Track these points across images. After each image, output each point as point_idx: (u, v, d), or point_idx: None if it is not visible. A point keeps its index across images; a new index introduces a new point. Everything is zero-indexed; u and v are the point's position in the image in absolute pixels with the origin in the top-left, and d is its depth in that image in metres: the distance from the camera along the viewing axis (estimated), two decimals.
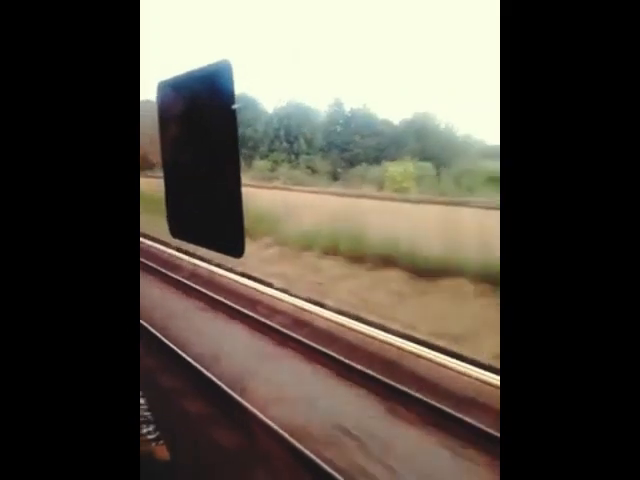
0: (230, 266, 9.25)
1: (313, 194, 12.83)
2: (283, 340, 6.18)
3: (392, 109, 46.27)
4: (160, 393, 4.73)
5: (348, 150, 28.86)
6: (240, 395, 4.61)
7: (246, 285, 8.70)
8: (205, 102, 0.86)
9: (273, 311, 7.32)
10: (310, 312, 7.24)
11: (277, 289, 8.36)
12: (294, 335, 6.18)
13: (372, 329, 6.52)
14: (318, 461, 3.64)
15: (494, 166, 24.91)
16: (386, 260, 8.57)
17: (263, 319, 6.75)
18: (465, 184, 23.87)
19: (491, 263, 7.12)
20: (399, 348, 5.94)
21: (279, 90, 40.68)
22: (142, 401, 2.70)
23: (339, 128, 29.62)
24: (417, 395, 4.68)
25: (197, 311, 7.49)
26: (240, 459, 3.72)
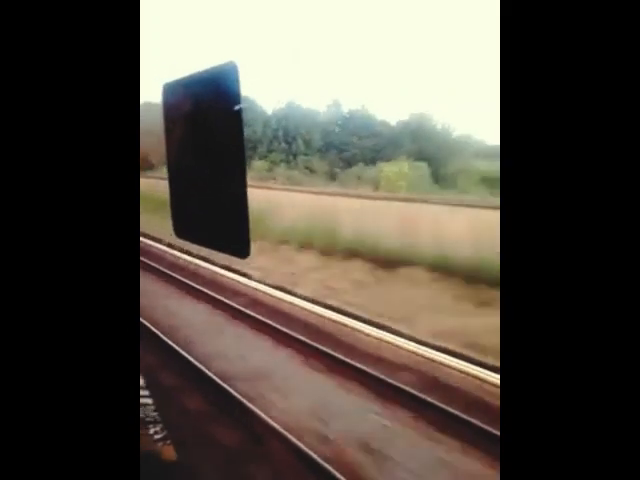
0: (213, 259, 10.18)
1: (299, 193, 13.68)
2: (258, 325, 7.04)
3: (390, 110, 46.85)
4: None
5: (346, 150, 29.48)
6: (188, 351, 5.52)
7: (227, 276, 9.63)
8: (211, 103, 0.87)
9: (252, 300, 8.20)
10: (281, 299, 8.15)
11: (256, 280, 9.26)
12: (268, 321, 7.04)
13: (330, 312, 7.42)
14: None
15: (487, 166, 25.67)
16: (353, 253, 9.47)
17: (242, 308, 7.62)
18: (459, 183, 24.65)
19: (444, 254, 8.00)
20: (346, 325, 6.84)
21: (278, 91, 41.47)
22: (150, 401, 2.79)
23: (337, 129, 30.23)
24: (357, 365, 5.54)
25: (179, 298, 8.43)
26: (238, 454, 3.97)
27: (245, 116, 0.83)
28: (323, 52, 41.91)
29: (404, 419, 4.55)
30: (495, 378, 5.06)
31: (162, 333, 6.34)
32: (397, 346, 6.17)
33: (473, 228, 8.06)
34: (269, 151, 29.17)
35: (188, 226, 1.05)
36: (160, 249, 11.95)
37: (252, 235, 0.85)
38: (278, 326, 6.66)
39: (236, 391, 4.80)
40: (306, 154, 29.42)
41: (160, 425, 2.59)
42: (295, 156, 29.38)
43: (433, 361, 5.76)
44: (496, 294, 7.42)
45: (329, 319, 7.16)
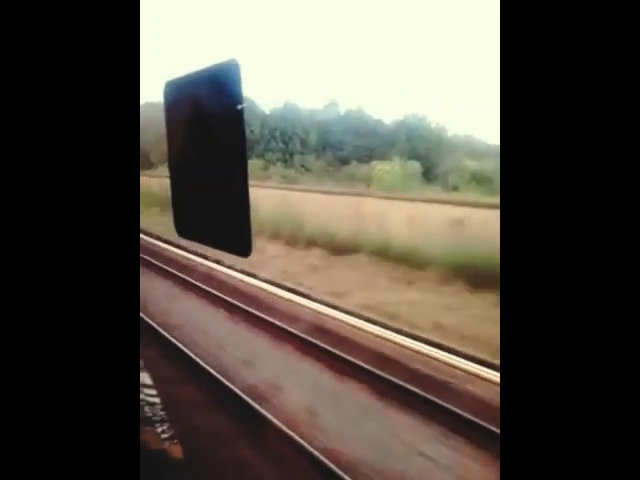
0: (192, 249, 11.57)
1: (279, 190, 14.94)
2: (215, 300, 8.41)
3: (386, 110, 47.86)
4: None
5: (342, 149, 30.54)
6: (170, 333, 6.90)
7: (202, 264, 11.02)
8: (212, 102, 0.88)
9: (221, 283, 9.56)
10: (245, 282, 9.52)
11: (226, 266, 10.63)
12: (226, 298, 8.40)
13: (284, 292, 8.77)
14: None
15: (477, 165, 26.68)
16: (312, 242, 10.82)
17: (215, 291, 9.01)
18: (450, 181, 25.74)
19: (384, 242, 9.31)
20: (296, 303, 8.18)
21: (276, 91, 42.56)
22: (157, 400, 2.83)
23: (334, 128, 31.26)
24: (315, 341, 6.84)
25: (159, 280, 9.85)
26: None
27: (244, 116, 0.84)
28: (320, 53, 43.09)
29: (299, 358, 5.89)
30: (401, 339, 6.36)
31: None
32: (317, 311, 7.54)
33: (410, 220, 9.37)
34: (266, 150, 30.20)
35: (189, 225, 1.06)
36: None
37: None
38: (229, 299, 8.07)
39: (173, 337, 6.24)
40: (302, 153, 30.45)
41: (167, 424, 2.56)
42: (292, 155, 30.51)
43: (359, 328, 7.05)
44: (420, 274, 8.75)
45: (278, 295, 8.52)
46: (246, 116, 0.83)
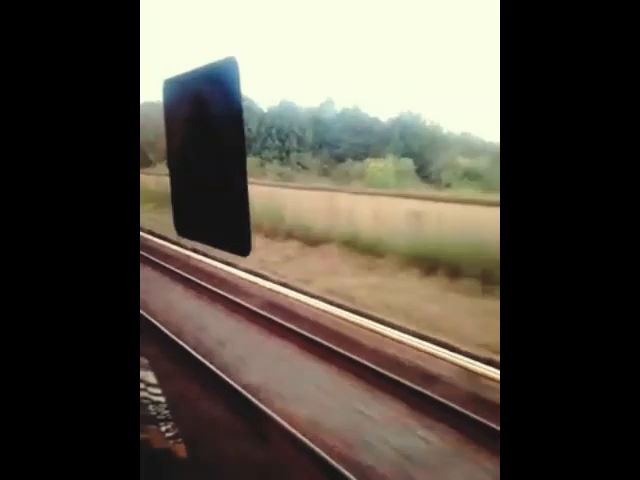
0: (176, 240, 12.59)
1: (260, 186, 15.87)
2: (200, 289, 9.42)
3: (382, 108, 48.57)
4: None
5: (338, 147, 31.32)
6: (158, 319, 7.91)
7: (185, 254, 12.03)
8: (211, 100, 0.89)
9: (204, 273, 10.58)
10: (226, 271, 10.52)
11: (210, 257, 11.62)
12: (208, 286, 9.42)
13: (258, 279, 9.76)
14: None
15: (470, 162, 27.43)
16: (289, 234, 11.82)
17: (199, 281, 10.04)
18: (443, 178, 26.55)
19: (353, 234, 10.30)
20: (271, 289, 9.17)
21: (273, 90, 43.34)
22: (162, 399, 2.88)
23: (330, 126, 32.01)
24: (292, 327, 7.83)
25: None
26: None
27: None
28: (317, 51, 43.92)
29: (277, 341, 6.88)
30: (357, 318, 7.32)
31: None
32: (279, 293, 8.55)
33: (375, 213, 10.36)
34: (263, 148, 30.97)
35: (189, 224, 1.08)
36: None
37: None
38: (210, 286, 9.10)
39: (149, 314, 7.22)
40: (299, 151, 31.17)
41: (172, 423, 2.63)
42: (288, 153, 31.33)
43: (317, 308, 8.00)
44: (380, 261, 9.72)
45: (254, 283, 9.52)
46: (244, 114, 0.84)
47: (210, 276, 9.84)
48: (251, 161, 28.35)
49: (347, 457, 4.14)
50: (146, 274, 10.01)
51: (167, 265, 10.62)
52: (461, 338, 6.43)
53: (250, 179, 0.86)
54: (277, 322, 7.19)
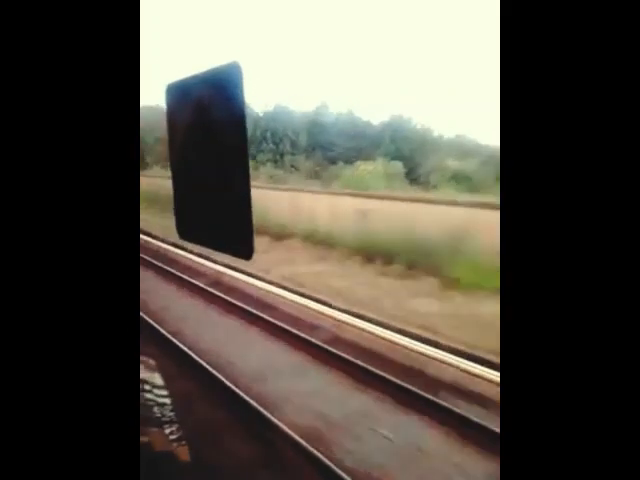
0: (162, 238, 14.25)
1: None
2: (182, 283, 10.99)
3: (375, 112, 49.64)
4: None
5: (331, 150, 32.66)
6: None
7: (173, 252, 13.68)
8: (214, 104, 0.91)
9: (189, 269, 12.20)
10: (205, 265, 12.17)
11: (188, 251, 13.26)
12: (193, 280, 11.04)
13: (232, 271, 11.37)
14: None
15: (458, 165, 28.70)
16: (260, 230, 13.47)
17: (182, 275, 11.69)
18: (432, 181, 27.88)
19: (312, 229, 11.92)
20: (225, 273, 10.78)
21: (267, 94, 44.63)
22: (168, 401, 2.94)
23: (324, 130, 33.34)
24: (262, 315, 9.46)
25: None
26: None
27: None
28: (311, 56, 45.28)
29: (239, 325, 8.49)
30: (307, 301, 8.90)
31: None
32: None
33: (330, 210, 11.99)
34: (258, 151, 32.30)
35: (191, 227, 1.10)
36: None
37: None
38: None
39: None
40: (293, 154, 32.39)
41: (176, 425, 2.62)
42: (282, 156, 32.77)
43: (271, 293, 9.59)
44: (331, 252, 11.34)
45: (222, 272, 11.16)
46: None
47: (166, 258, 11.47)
48: None
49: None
50: None
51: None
52: (380, 312, 8.00)
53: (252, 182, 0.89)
54: (221, 297, 8.90)
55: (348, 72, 39.16)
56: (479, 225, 9.31)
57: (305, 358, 6.58)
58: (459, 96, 39.71)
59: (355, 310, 8.13)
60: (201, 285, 9.75)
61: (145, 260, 11.94)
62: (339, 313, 7.96)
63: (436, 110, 43.01)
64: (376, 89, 43.82)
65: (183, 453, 2.55)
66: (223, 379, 5.61)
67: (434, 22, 39.67)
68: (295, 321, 7.91)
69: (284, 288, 9.53)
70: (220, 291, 9.25)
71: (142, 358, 3.84)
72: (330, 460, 4.11)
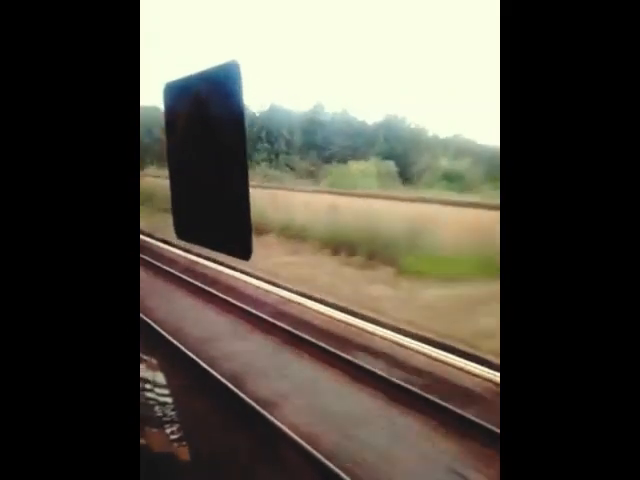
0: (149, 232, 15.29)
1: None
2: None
3: (369, 111, 50.19)
4: None
5: (326, 149, 33.32)
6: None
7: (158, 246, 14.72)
8: (213, 103, 0.91)
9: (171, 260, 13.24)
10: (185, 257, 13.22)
11: (173, 245, 14.29)
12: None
13: (215, 264, 12.40)
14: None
15: (449, 164, 29.36)
16: None
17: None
18: (424, 180, 28.61)
19: (287, 224, 12.97)
20: (208, 265, 11.80)
21: (263, 93, 45.03)
22: (169, 400, 3.02)
23: (319, 130, 33.92)
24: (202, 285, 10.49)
25: None
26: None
27: None
28: (307, 56, 45.79)
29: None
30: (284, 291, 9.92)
31: None
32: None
33: (304, 206, 13.03)
34: (253, 151, 32.77)
35: (189, 227, 1.11)
36: None
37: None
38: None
39: None
40: (288, 153, 33.05)
41: (177, 425, 2.66)
42: (277, 155, 33.45)
43: (244, 281, 10.59)
44: (303, 245, 12.37)
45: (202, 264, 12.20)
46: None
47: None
48: None
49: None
50: None
51: None
52: (338, 296, 9.02)
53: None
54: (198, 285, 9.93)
55: (343, 72, 39.83)
56: (436, 221, 10.36)
57: (247, 327, 7.80)
58: (455, 96, 40.44)
59: (317, 295, 9.15)
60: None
61: None
62: (300, 298, 9.00)
63: (432, 110, 43.81)
64: (371, 89, 44.57)
65: (183, 453, 2.58)
66: (177, 343, 6.78)
67: (430, 23, 40.37)
68: (243, 297, 9.09)
69: (250, 274, 10.59)
70: (190, 277, 10.39)
71: (144, 357, 3.99)
72: (247, 394, 5.30)
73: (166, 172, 1.13)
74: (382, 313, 8.29)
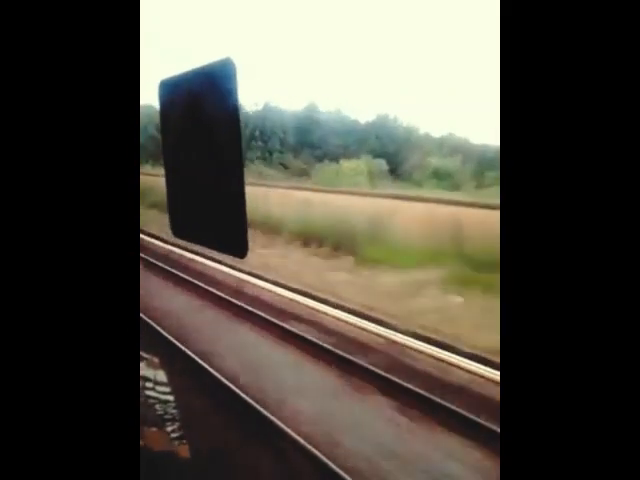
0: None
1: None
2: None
3: (362, 110, 50.75)
4: None
5: (320, 148, 33.96)
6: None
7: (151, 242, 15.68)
8: (208, 101, 0.92)
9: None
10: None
11: (162, 240, 15.26)
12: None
13: (206, 260, 13.37)
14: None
15: (439, 162, 30.06)
16: None
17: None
18: (414, 177, 29.35)
19: (265, 218, 13.97)
20: (196, 260, 12.76)
21: (257, 92, 45.59)
22: (171, 398, 3.12)
23: (312, 129, 34.40)
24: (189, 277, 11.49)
25: None
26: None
27: None
28: (302, 54, 46.07)
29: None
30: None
31: None
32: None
33: (280, 201, 14.02)
34: (247, 149, 33.11)
35: (185, 225, 1.12)
36: None
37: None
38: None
39: None
40: (281, 152, 33.69)
41: (178, 423, 2.74)
42: (271, 153, 33.93)
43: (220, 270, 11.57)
44: (277, 237, 13.36)
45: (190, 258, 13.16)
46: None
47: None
48: None
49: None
50: None
51: None
52: (301, 282, 10.01)
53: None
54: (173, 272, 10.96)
55: (337, 71, 40.31)
56: (398, 214, 11.32)
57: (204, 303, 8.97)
58: (447, 95, 41.02)
59: (282, 281, 10.14)
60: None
61: None
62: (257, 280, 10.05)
63: (424, 109, 44.35)
64: (365, 88, 45.15)
65: (183, 451, 2.62)
66: (155, 325, 7.80)
67: (423, 23, 40.79)
68: (218, 285, 10.09)
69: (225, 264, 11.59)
70: (170, 266, 11.46)
71: (145, 356, 4.22)
72: (211, 366, 6.32)
73: (161, 170, 1.14)
74: (338, 296, 9.27)
